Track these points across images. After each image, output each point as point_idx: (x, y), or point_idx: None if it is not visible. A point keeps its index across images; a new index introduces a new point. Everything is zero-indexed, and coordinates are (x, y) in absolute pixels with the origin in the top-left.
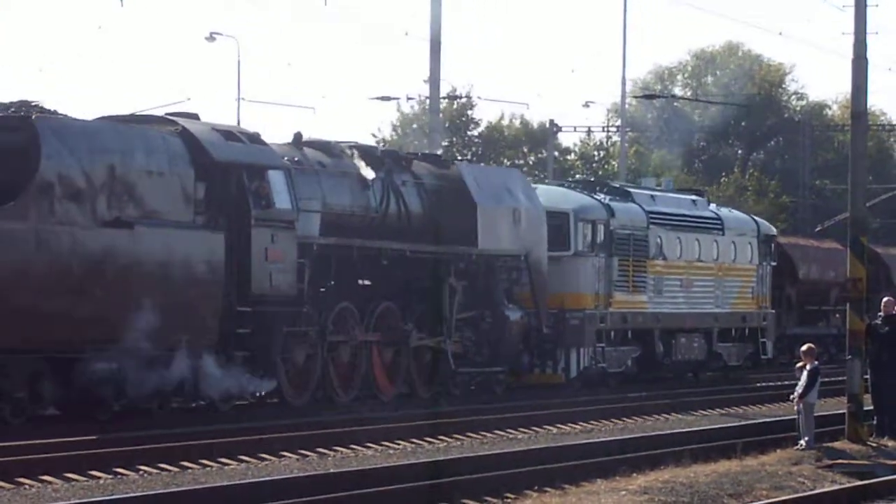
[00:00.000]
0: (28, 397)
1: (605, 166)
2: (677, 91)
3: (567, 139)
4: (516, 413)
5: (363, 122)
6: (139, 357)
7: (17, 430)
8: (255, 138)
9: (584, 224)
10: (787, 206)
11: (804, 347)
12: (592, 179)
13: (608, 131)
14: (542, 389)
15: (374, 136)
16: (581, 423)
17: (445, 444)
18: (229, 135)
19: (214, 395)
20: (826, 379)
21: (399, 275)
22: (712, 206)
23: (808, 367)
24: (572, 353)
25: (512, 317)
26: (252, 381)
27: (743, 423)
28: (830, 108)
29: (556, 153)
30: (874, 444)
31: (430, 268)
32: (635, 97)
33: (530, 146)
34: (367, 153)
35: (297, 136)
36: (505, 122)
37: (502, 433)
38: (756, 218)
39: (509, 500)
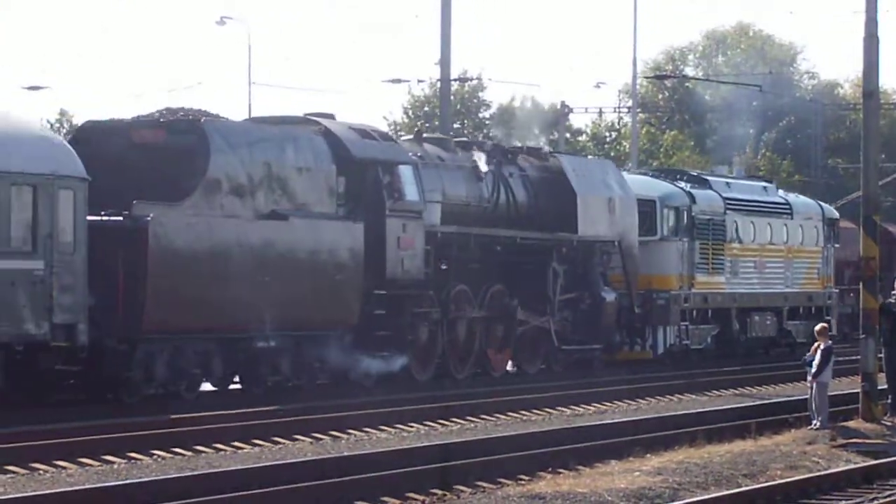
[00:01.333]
0: (201, 374)
1: (617, 147)
2: (689, 71)
3: (578, 120)
4: (530, 395)
5: (374, 105)
6: (293, 336)
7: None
8: (386, 136)
9: (668, 210)
10: (800, 186)
11: (818, 327)
12: (674, 168)
13: (620, 112)
14: (633, 365)
15: (385, 118)
16: (595, 405)
17: (459, 426)
18: (364, 133)
19: (354, 371)
20: (840, 358)
21: (508, 259)
22: (780, 192)
23: (821, 346)
24: (659, 331)
25: (608, 298)
26: (387, 358)
27: (757, 402)
28: (842, 87)
29: (568, 134)
30: (888, 423)
31: (535, 253)
32: (646, 78)
33: (541, 127)
34: (478, 147)
35: (419, 132)
36: (516, 103)
37: (516, 415)
38: (821, 203)
39: (523, 482)
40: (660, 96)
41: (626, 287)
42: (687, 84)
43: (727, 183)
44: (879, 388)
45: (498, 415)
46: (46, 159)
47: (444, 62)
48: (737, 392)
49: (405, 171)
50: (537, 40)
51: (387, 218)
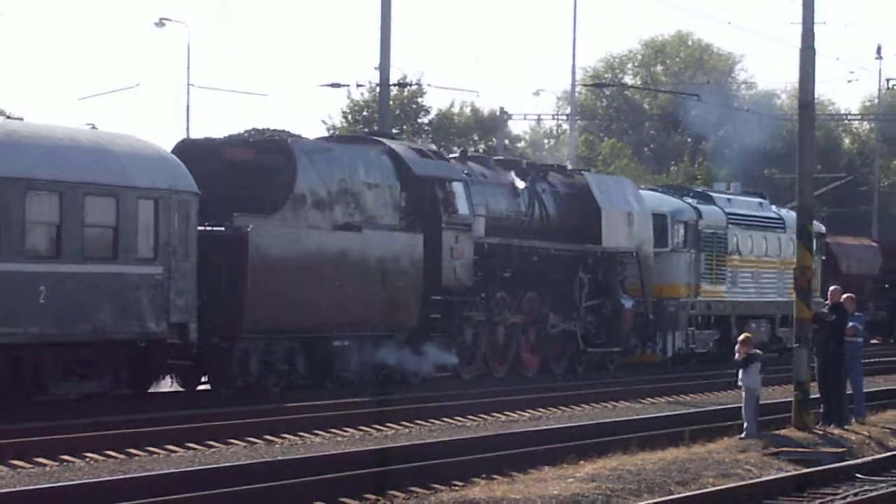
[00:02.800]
0: (288, 370)
1: (555, 154)
2: (627, 80)
3: (517, 127)
4: (466, 400)
5: (313, 110)
6: (363, 337)
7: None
8: (439, 155)
9: (678, 224)
10: None
11: (741, 337)
12: (681, 185)
13: (558, 119)
14: (645, 366)
15: (324, 122)
16: (530, 411)
17: (394, 431)
18: (421, 152)
19: (412, 370)
20: (778, 366)
21: (540, 269)
22: (774, 207)
23: (743, 354)
24: (668, 336)
25: (626, 305)
26: (441, 358)
27: (690, 410)
28: (780, 98)
29: (507, 141)
30: (820, 432)
31: (565, 263)
32: (585, 86)
33: (480, 133)
34: (514, 165)
35: (464, 151)
36: (455, 109)
37: (451, 421)
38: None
39: (457, 488)
40: (598, 104)
41: (641, 295)
42: (626, 92)
43: (728, 199)
44: (812, 397)
45: (433, 420)
46: (165, 175)
47: (384, 67)
48: (671, 399)
49: (458, 188)
50: (477, 46)
51: (442, 230)
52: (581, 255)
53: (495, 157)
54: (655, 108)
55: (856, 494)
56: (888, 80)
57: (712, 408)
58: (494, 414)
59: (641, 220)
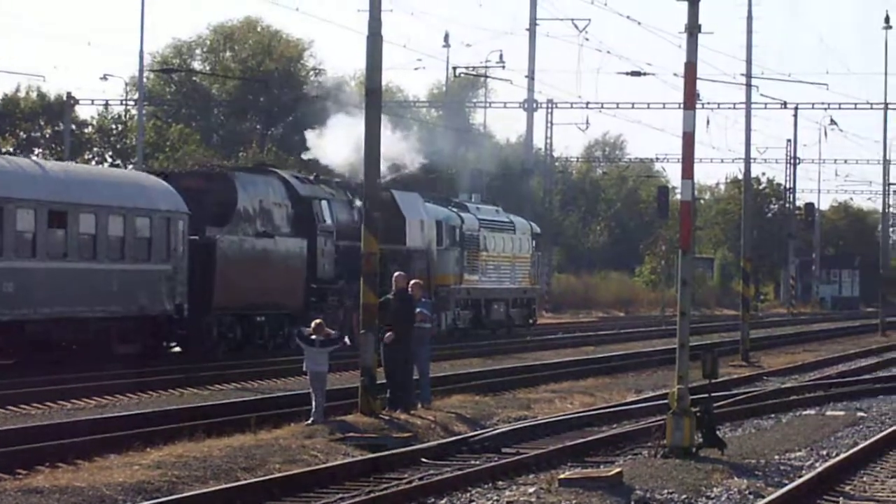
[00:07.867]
0: (234, 339)
1: (124, 140)
2: (196, 66)
3: (85, 112)
4: (29, 388)
5: None
6: (271, 314)
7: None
8: (308, 179)
9: (449, 228)
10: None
11: (315, 322)
12: (442, 196)
13: (126, 105)
14: None
15: None
16: (96, 398)
17: None
18: (300, 179)
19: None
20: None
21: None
22: (504, 213)
23: (316, 338)
24: (443, 315)
25: None
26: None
27: (258, 396)
28: (349, 85)
29: (74, 126)
30: (387, 417)
31: (384, 259)
32: (153, 71)
33: (47, 119)
34: (348, 185)
35: (317, 176)
36: (21, 94)
37: (16, 409)
38: (531, 222)
39: (21, 476)
40: (167, 90)
41: (427, 282)
42: (194, 78)
43: (478, 207)
44: (379, 382)
45: None
46: (170, 201)
47: None
48: (239, 386)
49: (324, 204)
50: (44, 30)
51: (317, 236)
52: (393, 252)
53: (335, 180)
54: (224, 95)
55: (421, 479)
56: (455, 68)
57: (279, 394)
58: (60, 402)
59: (428, 225)
